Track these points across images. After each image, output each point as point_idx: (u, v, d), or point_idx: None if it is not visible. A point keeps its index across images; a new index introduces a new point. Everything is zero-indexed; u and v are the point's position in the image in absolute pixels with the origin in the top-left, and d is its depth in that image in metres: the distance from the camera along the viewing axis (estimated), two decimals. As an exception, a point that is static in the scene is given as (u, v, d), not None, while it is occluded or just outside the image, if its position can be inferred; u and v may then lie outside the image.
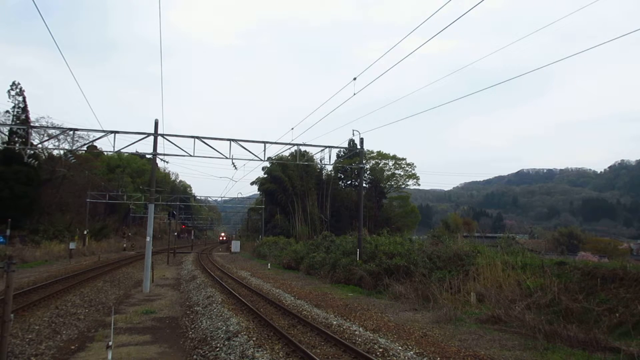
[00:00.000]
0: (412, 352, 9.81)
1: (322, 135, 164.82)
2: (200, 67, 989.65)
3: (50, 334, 11.60)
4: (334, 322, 12.98)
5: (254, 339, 10.63)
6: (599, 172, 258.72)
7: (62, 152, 55.32)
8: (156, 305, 17.18)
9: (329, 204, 63.93)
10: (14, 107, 47.37)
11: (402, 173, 73.40)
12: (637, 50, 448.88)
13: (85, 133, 32.19)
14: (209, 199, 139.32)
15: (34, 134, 48.06)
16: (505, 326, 12.39)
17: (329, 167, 65.13)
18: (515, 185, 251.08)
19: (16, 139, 45.60)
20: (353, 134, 26.76)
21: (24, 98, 47.91)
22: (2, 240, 35.11)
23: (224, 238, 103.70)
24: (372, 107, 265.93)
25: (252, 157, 23.96)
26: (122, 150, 22.89)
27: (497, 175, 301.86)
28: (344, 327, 12.38)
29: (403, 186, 75.28)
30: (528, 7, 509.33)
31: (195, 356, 10.06)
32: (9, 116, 47.12)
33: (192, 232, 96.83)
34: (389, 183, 73.00)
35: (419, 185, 76.15)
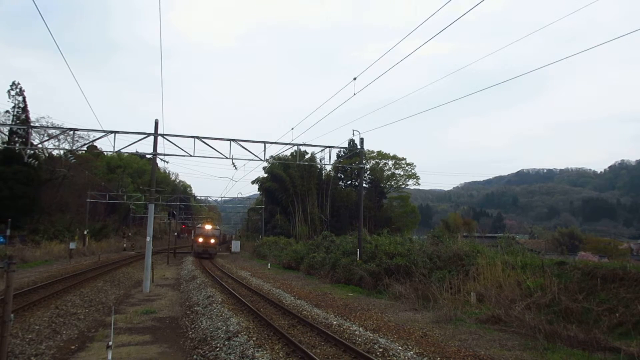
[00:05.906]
0: (412, 352, 9.81)
1: (322, 136, 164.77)
2: (200, 68, 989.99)
3: (50, 334, 11.60)
4: (334, 322, 12.98)
5: (254, 339, 10.64)
6: (599, 172, 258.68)
7: (62, 152, 55.32)
8: (156, 305, 17.18)
9: (329, 204, 63.92)
10: (14, 107, 47.32)
11: (402, 173, 73.56)
12: (637, 51, 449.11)
13: (86, 133, 32.30)
14: (209, 199, 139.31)
15: (34, 134, 48.06)
16: (505, 326, 12.38)
17: (329, 167, 65.20)
18: (515, 185, 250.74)
19: (16, 139, 45.55)
20: (353, 134, 26.82)
21: (24, 98, 47.86)
22: (2, 240, 35.09)
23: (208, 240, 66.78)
24: (372, 107, 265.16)
25: (252, 157, 24.00)
26: (122, 150, 22.91)
27: (497, 175, 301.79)
28: (344, 327, 12.38)
29: (403, 186, 75.37)
30: (525, 9, 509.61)
31: (195, 356, 10.06)
32: (9, 116, 47.10)
33: (192, 232, 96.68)
34: (389, 183, 73.07)
35: (419, 185, 76.40)
